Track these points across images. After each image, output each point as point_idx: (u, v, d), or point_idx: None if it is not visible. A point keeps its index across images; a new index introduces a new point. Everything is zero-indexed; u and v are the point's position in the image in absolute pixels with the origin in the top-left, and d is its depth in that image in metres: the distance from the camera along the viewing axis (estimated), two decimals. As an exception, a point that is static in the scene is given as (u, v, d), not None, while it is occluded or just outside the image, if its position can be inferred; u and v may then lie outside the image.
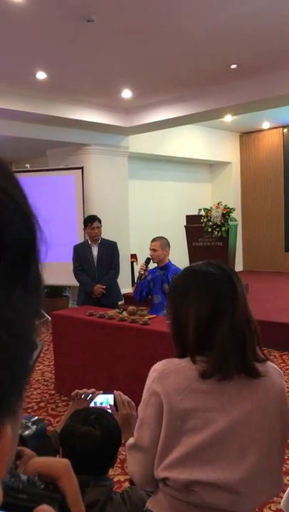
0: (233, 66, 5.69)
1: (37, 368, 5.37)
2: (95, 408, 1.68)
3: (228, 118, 8.08)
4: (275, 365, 1.31)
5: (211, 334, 1.21)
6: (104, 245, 5.30)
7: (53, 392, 4.62)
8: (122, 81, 6.14)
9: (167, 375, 1.22)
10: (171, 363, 1.25)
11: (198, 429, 1.17)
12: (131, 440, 1.31)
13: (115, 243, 5.38)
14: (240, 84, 6.26)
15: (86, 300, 5.17)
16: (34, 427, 0.90)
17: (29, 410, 4.16)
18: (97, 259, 5.26)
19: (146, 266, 4.44)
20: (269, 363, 1.28)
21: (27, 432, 0.88)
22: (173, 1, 3.96)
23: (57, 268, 7.23)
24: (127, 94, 6.60)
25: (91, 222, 5.25)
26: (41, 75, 5.65)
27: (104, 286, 5.14)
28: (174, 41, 4.83)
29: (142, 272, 4.42)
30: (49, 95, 6.42)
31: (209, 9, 4.15)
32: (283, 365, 5.20)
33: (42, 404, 4.32)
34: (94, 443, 1.47)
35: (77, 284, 5.47)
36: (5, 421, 0.33)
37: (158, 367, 1.27)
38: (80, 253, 5.31)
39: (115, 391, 1.74)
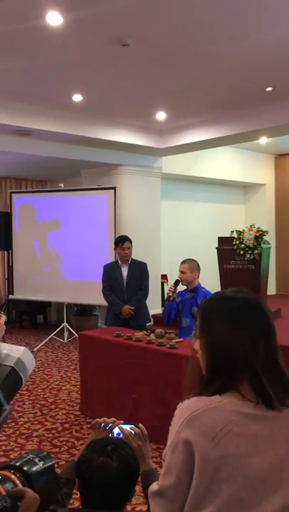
0: (269, 89, 5.65)
1: (63, 388, 5.35)
2: (113, 438, 1.62)
3: (263, 140, 8.01)
4: None
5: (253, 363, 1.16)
6: (134, 266, 5.27)
7: (78, 413, 4.58)
8: (157, 103, 6.19)
9: (198, 416, 1.10)
10: (201, 401, 1.13)
11: (234, 477, 1.06)
12: (154, 486, 1.19)
13: (145, 264, 5.35)
14: (276, 106, 6.21)
15: (114, 321, 5.15)
16: (41, 463, 0.86)
17: (53, 431, 4.13)
18: (126, 279, 5.24)
19: (175, 288, 4.39)
20: None
21: (34, 469, 0.83)
22: (207, 25, 3.98)
23: (87, 287, 7.27)
24: (161, 116, 6.65)
25: (122, 242, 5.25)
26: (77, 98, 5.76)
27: (133, 308, 5.10)
28: (208, 64, 4.84)
29: (170, 294, 4.37)
30: (85, 117, 6.54)
31: (244, 32, 4.15)
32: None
33: (66, 425, 4.28)
34: (111, 475, 1.42)
35: (106, 303, 5.46)
36: None
37: (187, 406, 1.14)
38: (110, 273, 5.30)
39: (119, 426, 1.68)
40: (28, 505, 0.75)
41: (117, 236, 6.01)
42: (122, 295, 5.20)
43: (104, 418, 1.71)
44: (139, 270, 5.26)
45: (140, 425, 1.67)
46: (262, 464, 1.07)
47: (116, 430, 1.69)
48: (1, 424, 0.36)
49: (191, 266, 4.33)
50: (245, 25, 4.00)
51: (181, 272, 4.34)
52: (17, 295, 7.95)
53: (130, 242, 5.27)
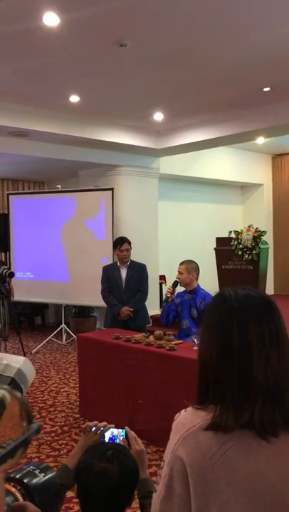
0: (266, 89, 5.63)
1: (62, 390, 5.33)
2: (111, 443, 1.61)
3: (261, 140, 8.00)
4: None
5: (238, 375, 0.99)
6: (133, 267, 5.24)
7: (77, 415, 4.56)
8: (154, 104, 6.17)
9: (194, 433, 0.99)
10: (198, 416, 1.01)
11: (236, 500, 0.95)
12: (154, 510, 1.07)
13: (144, 266, 5.32)
14: (273, 106, 6.20)
15: (113, 323, 5.12)
16: (42, 475, 0.84)
17: (52, 434, 4.10)
18: (125, 281, 5.21)
19: (174, 289, 4.37)
20: None
21: (34, 481, 0.81)
22: (206, 26, 3.96)
23: (85, 288, 7.24)
24: (158, 116, 6.63)
25: (120, 244, 5.20)
26: (74, 99, 5.74)
27: (132, 309, 5.08)
28: (206, 65, 4.83)
29: (169, 295, 4.35)
30: (82, 118, 6.51)
31: (242, 33, 4.13)
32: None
33: (66, 428, 4.25)
34: (113, 480, 1.40)
35: (105, 304, 5.43)
36: None
37: (183, 422, 1.03)
38: (109, 274, 5.27)
39: (126, 427, 1.66)
40: None
41: (115, 237, 5.98)
42: (121, 297, 5.17)
43: (96, 422, 1.69)
44: (138, 272, 5.23)
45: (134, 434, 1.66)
46: (265, 485, 0.97)
47: (108, 434, 1.67)
48: (27, 442, 0.34)
49: (188, 267, 4.31)
50: (244, 25, 3.98)
51: (179, 273, 4.33)
52: (16, 297, 7.91)
53: (129, 243, 5.23)
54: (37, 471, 0.83)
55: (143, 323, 5.21)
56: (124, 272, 5.22)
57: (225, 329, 1.02)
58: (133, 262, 5.27)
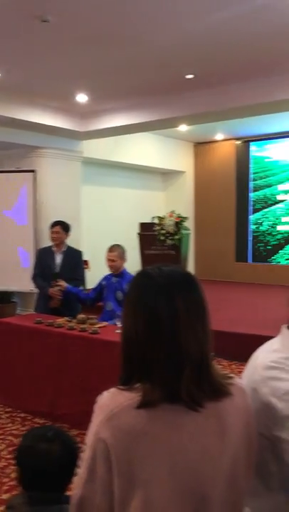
0: (189, 76, 5.72)
1: (-20, 378, 5.14)
2: (51, 426, 1.60)
3: (183, 127, 8.15)
4: (238, 383, 1.12)
5: (158, 351, 1.00)
6: (68, 254, 4.95)
7: (-4, 403, 4.42)
8: (78, 85, 6.04)
9: (117, 414, 0.97)
10: (121, 396, 1.00)
11: (159, 478, 0.96)
12: (76, 493, 1.03)
13: (80, 252, 5.05)
14: (196, 94, 6.32)
15: (45, 309, 4.78)
16: None
17: None
18: (60, 267, 4.94)
19: (54, 281, 4.58)
20: (233, 381, 1.10)
21: None
22: (132, 9, 3.92)
23: (4, 272, 7.01)
24: (82, 98, 6.51)
25: (53, 226, 4.99)
26: (-7, 74, 5.47)
27: (62, 286, 4.64)
28: (130, 48, 4.79)
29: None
30: (3, 96, 6.22)
31: (168, 19, 4.14)
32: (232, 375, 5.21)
33: (-16, 416, 4.12)
34: (55, 459, 1.42)
35: (26, 289, 5.25)
36: None
37: (106, 403, 1.01)
38: (42, 259, 5.00)
39: None
40: None
41: (38, 221, 5.80)
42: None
43: None
44: (74, 259, 4.92)
45: None
46: (188, 460, 0.98)
47: None
48: None
49: (120, 253, 4.30)
50: (170, 11, 3.99)
51: (111, 261, 4.27)
52: None
53: (64, 228, 4.93)
54: None
55: (76, 311, 4.97)
56: (58, 258, 4.91)
57: (152, 305, 1.02)
58: (70, 249, 5.01)
